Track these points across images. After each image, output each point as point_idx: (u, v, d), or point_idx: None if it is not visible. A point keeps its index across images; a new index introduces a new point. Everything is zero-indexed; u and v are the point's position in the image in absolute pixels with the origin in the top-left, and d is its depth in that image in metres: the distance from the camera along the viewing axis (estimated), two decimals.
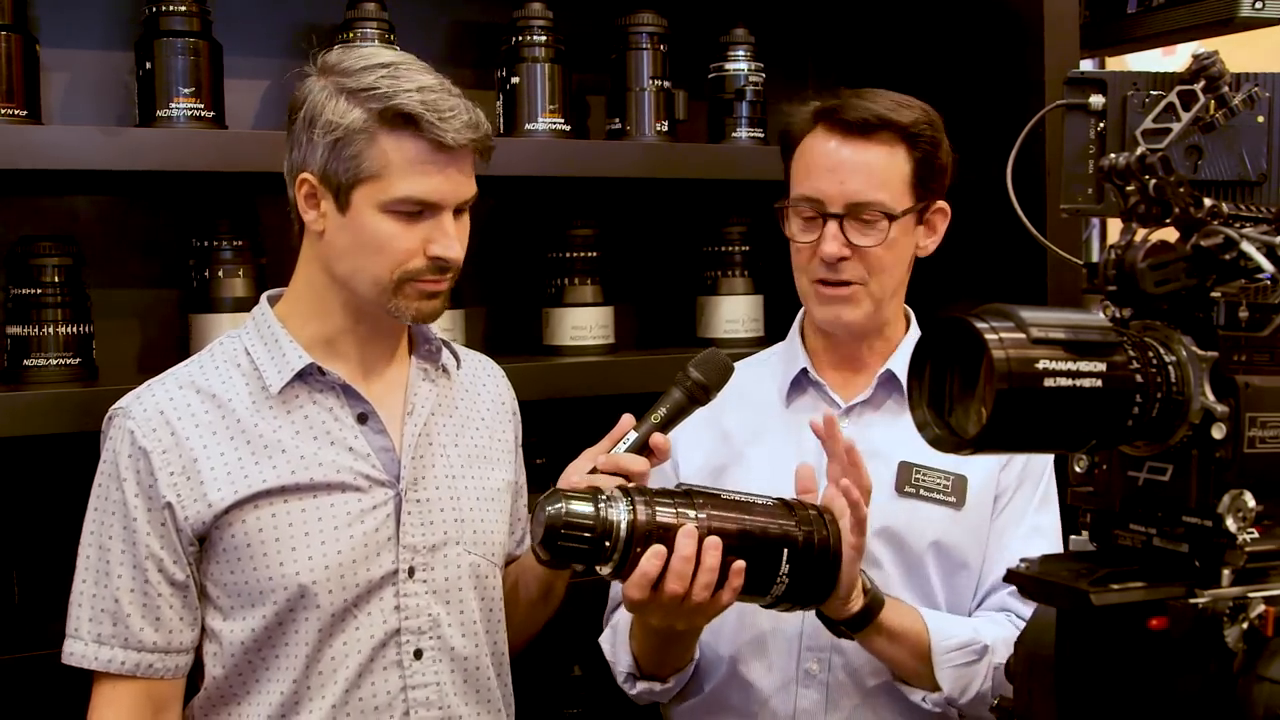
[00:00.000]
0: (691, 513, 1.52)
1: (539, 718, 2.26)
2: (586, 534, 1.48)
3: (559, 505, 1.48)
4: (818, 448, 1.82)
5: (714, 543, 1.50)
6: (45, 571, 2.05)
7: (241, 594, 1.62)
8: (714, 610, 1.56)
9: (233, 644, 1.63)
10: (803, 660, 1.78)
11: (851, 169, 1.77)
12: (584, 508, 1.49)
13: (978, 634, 1.70)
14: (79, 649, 1.61)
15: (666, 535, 1.50)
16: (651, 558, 1.49)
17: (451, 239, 1.62)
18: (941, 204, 1.84)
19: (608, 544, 1.49)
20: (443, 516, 1.70)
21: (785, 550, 1.54)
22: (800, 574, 1.56)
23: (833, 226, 1.77)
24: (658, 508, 1.51)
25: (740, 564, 1.51)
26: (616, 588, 1.85)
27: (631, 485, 1.56)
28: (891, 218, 1.76)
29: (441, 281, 1.64)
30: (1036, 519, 1.81)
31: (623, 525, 1.49)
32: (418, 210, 1.60)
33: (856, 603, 1.63)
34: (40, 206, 2.15)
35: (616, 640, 1.82)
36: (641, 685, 1.80)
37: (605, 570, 1.52)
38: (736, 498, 1.58)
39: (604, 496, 1.51)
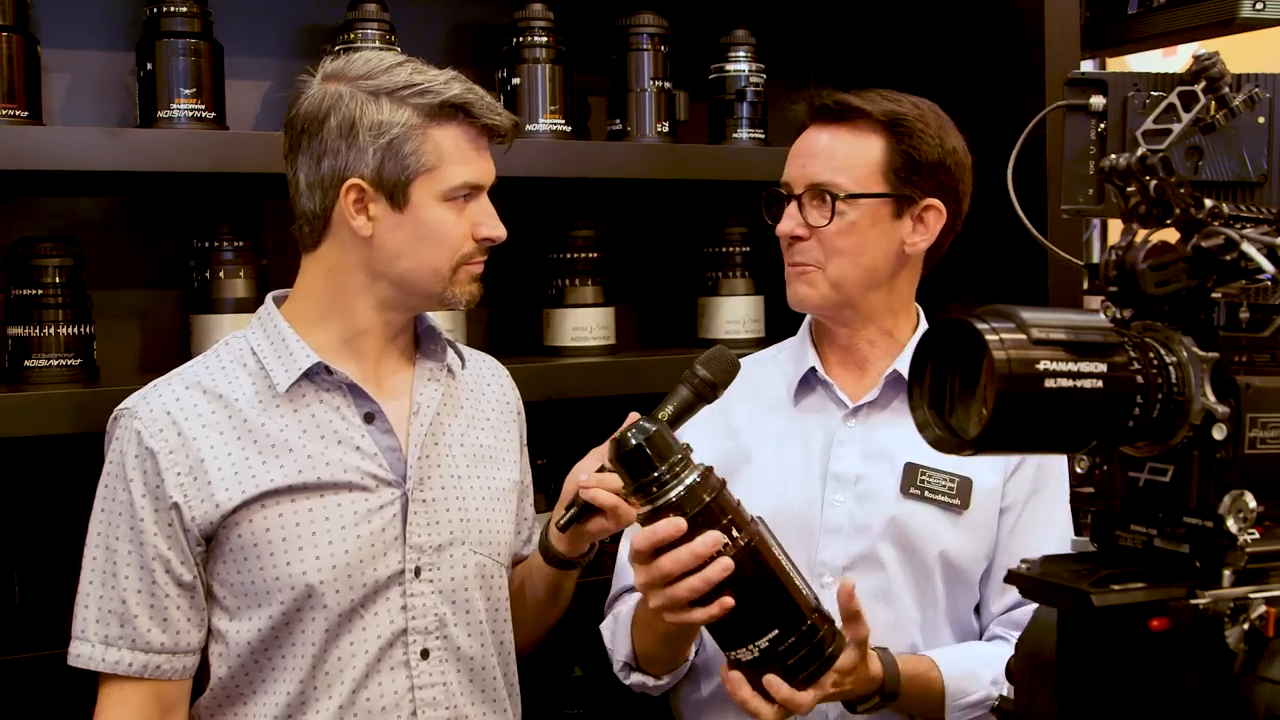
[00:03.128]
0: (735, 530, 1.50)
1: (540, 718, 2.26)
2: (656, 464, 1.49)
3: (657, 428, 1.50)
4: (823, 448, 1.83)
5: (724, 564, 1.48)
6: (46, 572, 2.05)
7: (248, 594, 1.62)
8: (682, 614, 1.53)
9: (239, 644, 1.63)
10: None
11: (815, 152, 1.81)
12: (672, 448, 1.50)
13: (995, 686, 1.70)
14: (86, 650, 1.61)
15: (699, 524, 1.49)
16: (669, 526, 1.49)
17: (496, 218, 1.69)
18: (932, 201, 1.81)
19: (656, 489, 1.49)
20: (449, 516, 1.70)
21: (775, 631, 1.51)
22: (768, 662, 1.52)
23: (791, 207, 1.82)
24: (719, 498, 1.50)
25: (729, 602, 1.50)
26: (621, 581, 1.87)
27: (714, 471, 1.54)
28: (839, 197, 1.77)
29: (483, 262, 1.70)
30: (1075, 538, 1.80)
31: (681, 486, 1.49)
32: (467, 194, 1.65)
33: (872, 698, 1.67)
34: (41, 207, 2.15)
35: (617, 629, 1.83)
36: (636, 677, 1.81)
37: (642, 508, 1.51)
38: (783, 559, 1.53)
39: (690, 457, 1.51)
